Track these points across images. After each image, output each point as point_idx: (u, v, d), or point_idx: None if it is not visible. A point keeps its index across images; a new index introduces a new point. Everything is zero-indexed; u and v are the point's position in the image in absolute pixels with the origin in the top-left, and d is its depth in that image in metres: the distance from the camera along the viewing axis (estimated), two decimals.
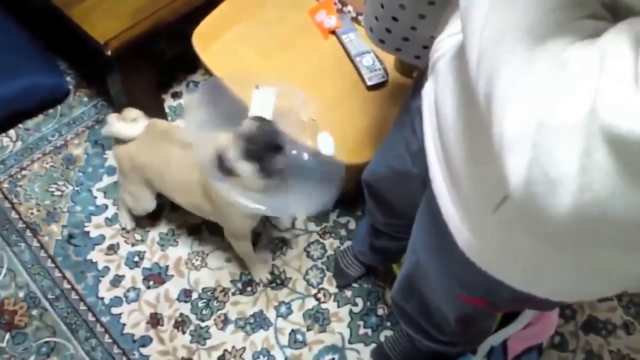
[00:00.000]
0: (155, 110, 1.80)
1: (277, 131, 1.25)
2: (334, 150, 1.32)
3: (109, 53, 1.53)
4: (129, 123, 1.49)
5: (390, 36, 0.94)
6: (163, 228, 1.74)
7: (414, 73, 1.54)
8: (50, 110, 1.97)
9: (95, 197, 1.79)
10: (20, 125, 1.93)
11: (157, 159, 1.46)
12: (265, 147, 1.22)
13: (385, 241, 1.46)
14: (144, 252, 1.70)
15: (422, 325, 1.17)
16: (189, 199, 1.48)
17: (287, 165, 1.26)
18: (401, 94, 1.54)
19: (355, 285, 1.66)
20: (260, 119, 1.24)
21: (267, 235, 1.73)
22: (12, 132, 1.92)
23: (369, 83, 1.54)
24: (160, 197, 1.61)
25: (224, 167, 1.21)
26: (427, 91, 0.81)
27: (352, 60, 1.59)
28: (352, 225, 1.76)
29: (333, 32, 1.65)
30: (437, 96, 0.76)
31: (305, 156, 1.34)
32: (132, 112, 1.51)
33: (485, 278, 0.76)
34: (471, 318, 1.00)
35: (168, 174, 1.46)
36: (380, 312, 1.62)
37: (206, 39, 1.63)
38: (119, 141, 1.50)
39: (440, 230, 0.79)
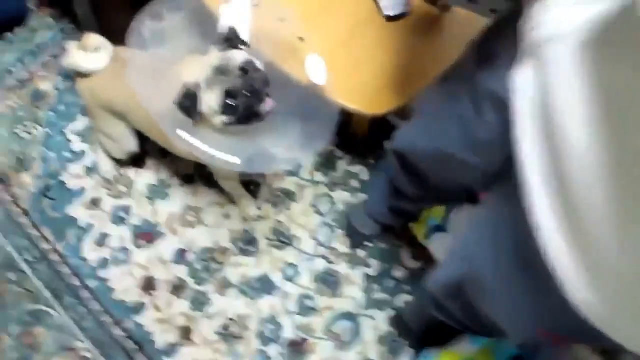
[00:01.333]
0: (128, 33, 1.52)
1: (263, 72, 1.04)
2: (325, 78, 1.12)
3: None
4: (91, 53, 1.25)
5: None
6: (150, 178, 1.54)
7: (440, 1, 1.28)
8: (8, 35, 1.67)
9: (70, 142, 1.56)
10: None
11: (124, 92, 1.24)
12: (249, 92, 1.01)
13: (408, 204, 1.28)
14: (131, 206, 1.51)
15: (462, 322, 1.02)
16: (165, 138, 1.24)
17: (271, 110, 1.05)
18: (427, 26, 1.30)
19: (368, 244, 1.50)
20: (234, 41, 1.05)
21: (268, 187, 1.53)
22: None
23: (388, 13, 1.28)
24: (143, 139, 1.40)
25: (190, 110, 1.01)
26: (524, 83, 0.59)
27: None
28: (364, 175, 1.57)
29: None
30: (550, 99, 0.54)
31: (293, 98, 1.12)
32: (94, 40, 1.26)
33: (589, 328, 0.59)
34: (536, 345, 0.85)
35: (139, 108, 1.24)
36: (397, 274, 1.47)
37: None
38: (82, 75, 1.28)
39: (534, 268, 0.61)
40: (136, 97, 1.20)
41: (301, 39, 1.15)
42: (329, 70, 1.21)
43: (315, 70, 1.12)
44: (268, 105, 1.03)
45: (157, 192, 1.52)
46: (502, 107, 0.69)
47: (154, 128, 1.27)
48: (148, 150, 1.55)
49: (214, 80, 1.01)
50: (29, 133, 1.56)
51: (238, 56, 1.03)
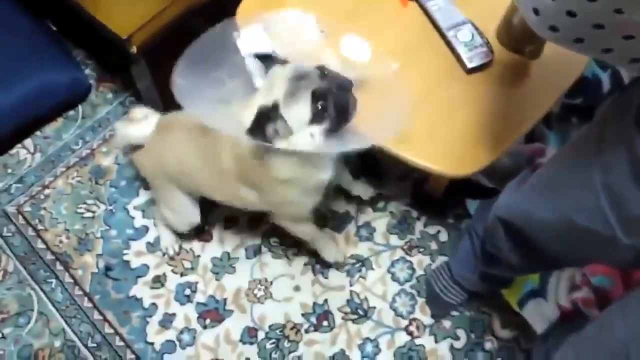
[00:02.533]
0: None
1: (341, 75, 0.96)
2: (370, 53, 1.04)
3: (134, 50, 1.21)
4: (138, 124, 1.24)
5: (572, 22, 0.59)
6: (216, 251, 1.46)
7: (527, 48, 1.17)
8: (71, 112, 1.67)
9: (133, 218, 1.51)
10: (37, 133, 1.64)
11: (178, 155, 1.20)
12: (339, 99, 0.93)
13: (503, 271, 1.14)
14: (196, 282, 1.42)
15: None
16: (228, 190, 1.19)
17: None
18: (513, 76, 1.19)
19: (454, 313, 1.35)
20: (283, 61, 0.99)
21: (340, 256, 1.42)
22: (28, 142, 1.63)
23: (469, 65, 1.18)
24: (205, 211, 1.35)
25: (264, 134, 0.92)
26: None
27: (442, 35, 1.22)
28: (443, 236, 1.44)
29: None
30: None
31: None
32: (139, 112, 1.28)
33: None
34: None
35: (196, 168, 1.19)
36: (488, 345, 1.32)
37: (253, 16, 1.28)
38: (135, 147, 1.27)
39: None
40: (190, 158, 1.17)
41: (322, 31, 1.08)
42: (406, 129, 1.12)
43: (355, 48, 1.05)
44: (355, 102, 0.95)
45: (222, 266, 1.44)
46: None
47: (213, 185, 1.20)
48: (212, 222, 1.48)
49: (295, 89, 0.92)
50: (91, 211, 1.52)
51: (307, 65, 0.96)
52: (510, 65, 1.19)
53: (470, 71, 1.18)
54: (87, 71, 1.72)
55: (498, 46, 1.21)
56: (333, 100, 0.92)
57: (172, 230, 1.42)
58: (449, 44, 1.21)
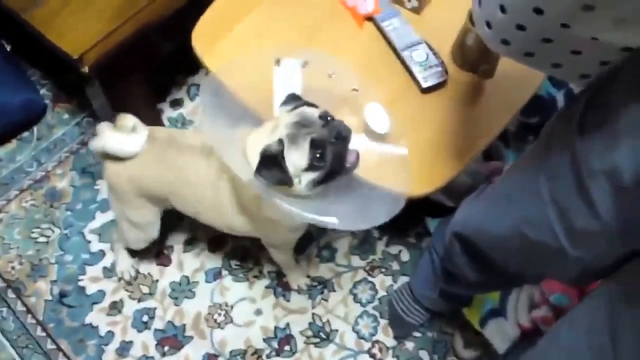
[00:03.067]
0: (151, 123, 1.43)
1: (342, 123, 0.95)
2: (389, 127, 1.04)
3: (86, 70, 1.18)
4: (126, 134, 1.14)
5: (522, 35, 0.60)
6: (174, 276, 1.42)
7: (482, 66, 1.18)
8: (25, 134, 1.62)
9: (89, 242, 1.46)
10: None
11: (170, 175, 1.15)
12: (336, 150, 0.93)
13: (464, 289, 1.14)
14: (155, 308, 1.39)
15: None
16: (219, 216, 1.16)
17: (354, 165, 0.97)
18: (467, 95, 1.19)
19: (416, 334, 1.34)
20: (298, 100, 0.98)
21: (303, 276, 1.40)
22: None
23: (424, 85, 1.18)
24: (165, 235, 1.31)
25: (272, 175, 0.91)
26: None
27: (398, 55, 1.23)
28: (404, 256, 1.43)
29: (370, 19, 1.28)
30: None
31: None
32: (129, 120, 1.16)
33: None
34: None
35: (188, 191, 1.15)
36: None
37: (209, 38, 1.26)
38: (112, 158, 1.15)
39: None
40: (183, 179, 1.14)
41: (355, 89, 1.08)
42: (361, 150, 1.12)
43: (376, 119, 1.04)
44: (353, 156, 0.95)
45: (181, 291, 1.40)
46: (621, 191, 0.57)
47: (203, 209, 1.17)
48: (171, 246, 1.44)
49: (298, 134, 0.92)
50: (45, 235, 1.47)
51: (313, 109, 0.96)
52: (465, 84, 1.20)
53: (425, 90, 1.19)
54: (43, 91, 1.68)
55: (453, 66, 1.22)
56: (331, 151, 0.92)
57: (128, 252, 1.39)
58: (404, 63, 1.21)
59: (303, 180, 0.93)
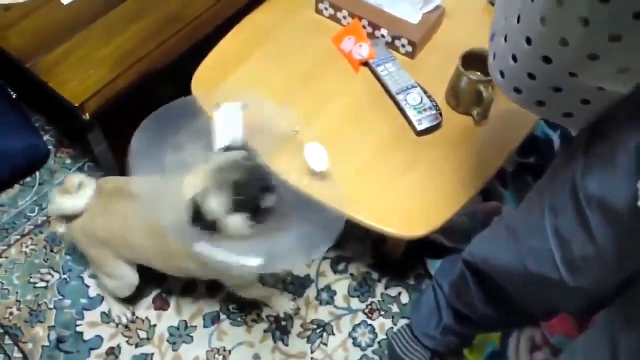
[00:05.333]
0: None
1: (265, 166, 0.99)
2: (327, 165, 1.05)
3: (87, 117, 1.21)
4: (75, 193, 1.21)
5: (533, 85, 0.62)
6: (172, 320, 1.41)
7: (475, 110, 1.20)
8: (28, 179, 1.64)
9: (88, 287, 1.46)
10: None
11: (116, 224, 1.19)
12: (257, 189, 0.94)
13: (468, 327, 1.13)
14: (152, 354, 1.37)
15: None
16: (170, 262, 1.19)
17: (279, 204, 0.98)
18: (462, 137, 1.21)
19: None
20: (240, 150, 0.99)
21: (301, 318, 1.39)
22: None
23: (419, 128, 1.20)
24: (162, 279, 1.33)
25: (204, 223, 0.93)
26: None
27: (393, 99, 1.25)
28: (404, 298, 1.42)
29: (365, 64, 1.31)
30: None
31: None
32: (75, 179, 1.23)
33: None
34: None
35: (135, 239, 1.18)
36: None
37: (208, 84, 1.30)
38: (70, 218, 1.23)
39: None
40: (129, 228, 1.16)
41: (296, 132, 1.10)
42: (358, 192, 1.13)
43: (315, 158, 1.06)
44: (271, 199, 0.95)
45: (180, 336, 1.39)
46: (617, 219, 0.58)
47: (153, 256, 1.19)
48: (169, 290, 1.44)
49: (221, 178, 0.94)
50: (45, 280, 1.47)
51: (237, 153, 0.98)
52: (460, 126, 1.22)
53: (420, 133, 1.20)
54: (47, 137, 1.71)
55: (447, 109, 1.24)
56: (253, 193, 0.94)
57: (117, 298, 1.39)
58: (399, 107, 1.24)
59: (235, 222, 0.94)
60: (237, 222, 0.94)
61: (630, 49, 0.51)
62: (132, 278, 1.30)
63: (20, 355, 1.37)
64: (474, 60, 1.17)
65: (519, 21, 0.58)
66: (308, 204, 1.02)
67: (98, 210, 1.20)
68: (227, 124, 1.02)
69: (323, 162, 1.06)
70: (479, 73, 1.19)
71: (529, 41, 0.57)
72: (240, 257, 0.93)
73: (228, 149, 0.99)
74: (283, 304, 1.39)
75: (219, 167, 0.95)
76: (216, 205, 0.93)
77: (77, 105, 1.19)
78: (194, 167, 1.00)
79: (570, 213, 0.67)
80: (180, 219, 0.93)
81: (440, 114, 1.21)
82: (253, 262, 0.93)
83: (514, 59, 0.61)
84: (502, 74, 0.66)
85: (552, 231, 0.72)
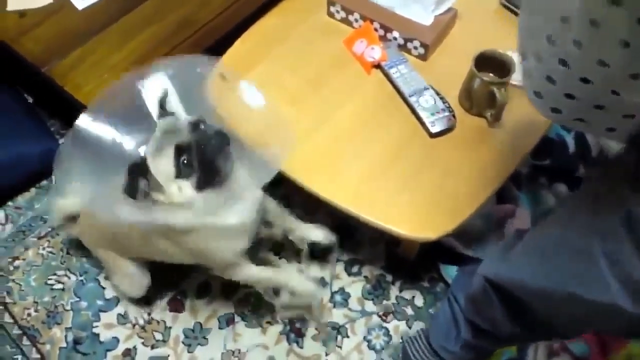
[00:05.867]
0: None
1: (218, 129, 0.95)
2: (264, 100, 1.03)
3: None
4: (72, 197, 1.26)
5: (572, 104, 0.60)
6: (187, 322, 1.42)
7: (488, 112, 1.19)
8: (44, 182, 1.66)
9: (104, 289, 1.48)
10: (9, 204, 1.63)
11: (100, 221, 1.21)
12: (205, 153, 0.92)
13: (487, 341, 1.11)
14: (168, 355, 1.38)
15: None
16: (151, 247, 1.14)
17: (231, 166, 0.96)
18: (476, 140, 1.20)
19: None
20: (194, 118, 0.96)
21: (316, 320, 1.39)
22: (0, 213, 1.61)
23: (432, 130, 1.20)
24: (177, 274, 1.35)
25: (138, 185, 0.90)
26: None
27: (405, 101, 1.25)
28: (418, 300, 1.42)
29: (377, 66, 1.31)
30: None
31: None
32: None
33: None
34: None
35: (118, 232, 1.19)
36: None
37: (220, 87, 1.30)
38: (72, 219, 1.31)
39: None
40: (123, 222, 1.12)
41: (222, 75, 1.08)
42: (371, 194, 1.12)
43: (250, 95, 1.04)
44: (228, 156, 0.94)
45: (194, 337, 1.40)
46: None
47: (138, 245, 1.18)
48: (184, 292, 1.45)
49: (162, 143, 0.91)
50: (61, 282, 1.49)
51: (185, 117, 0.96)
52: (473, 128, 1.21)
53: (434, 135, 1.20)
54: (62, 141, 1.73)
55: (460, 110, 1.23)
56: (198, 155, 0.91)
57: (130, 299, 1.41)
58: (412, 109, 1.23)
59: (184, 188, 0.92)
60: (183, 187, 0.91)
61: None
62: (141, 276, 1.31)
63: (38, 356, 1.39)
64: (486, 62, 1.17)
65: (551, 43, 0.56)
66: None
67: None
68: (156, 93, 0.99)
69: (259, 97, 1.02)
70: (492, 74, 1.19)
71: (564, 63, 0.56)
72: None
73: (166, 114, 0.96)
74: (302, 284, 1.21)
75: (164, 129, 0.93)
76: (158, 169, 0.90)
77: None
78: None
79: (626, 243, 0.65)
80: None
81: (454, 116, 1.21)
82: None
83: (551, 80, 0.59)
84: (539, 95, 0.64)
85: (604, 259, 0.69)
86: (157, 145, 0.91)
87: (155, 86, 0.98)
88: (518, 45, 0.66)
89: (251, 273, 1.17)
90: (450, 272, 1.39)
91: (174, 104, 0.99)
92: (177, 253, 1.12)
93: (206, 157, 0.92)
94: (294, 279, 1.20)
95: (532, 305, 0.90)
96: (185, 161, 0.90)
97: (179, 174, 0.91)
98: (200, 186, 0.92)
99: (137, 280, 1.32)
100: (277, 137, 1.01)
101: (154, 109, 0.98)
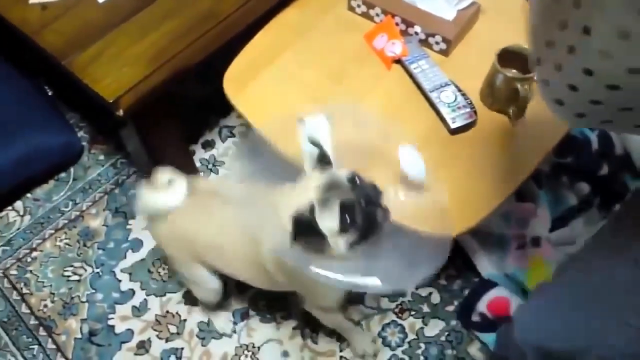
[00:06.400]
0: (183, 165, 1.46)
1: (372, 184, 0.93)
2: (425, 172, 0.98)
3: (120, 113, 1.22)
4: (164, 190, 1.12)
5: (598, 109, 0.58)
6: (202, 315, 1.42)
7: (510, 108, 1.17)
8: (62, 174, 1.67)
9: (120, 281, 1.48)
10: (28, 195, 1.64)
11: (211, 228, 1.13)
12: (366, 211, 0.90)
13: None
14: (182, 348, 1.38)
15: None
16: (258, 274, 1.12)
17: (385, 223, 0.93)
18: (496, 137, 1.18)
19: None
20: (347, 172, 0.93)
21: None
22: (18, 204, 1.63)
23: (453, 126, 1.18)
24: None
25: (309, 240, 0.89)
26: None
27: (426, 97, 1.23)
28: (435, 297, 1.40)
29: (398, 61, 1.29)
30: None
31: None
32: (164, 174, 1.13)
33: None
34: None
35: (229, 246, 1.12)
36: None
37: (239, 82, 1.30)
38: (158, 217, 1.15)
39: None
40: (221, 233, 1.11)
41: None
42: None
43: (410, 162, 0.98)
44: (386, 212, 0.92)
45: (209, 331, 1.40)
46: None
47: (241, 266, 1.14)
48: None
49: (327, 197, 0.90)
50: (78, 274, 1.50)
51: (342, 171, 0.94)
52: (494, 125, 1.19)
53: (454, 131, 1.18)
54: (81, 133, 1.74)
55: (481, 106, 1.21)
56: (361, 213, 0.89)
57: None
58: (432, 105, 1.22)
59: (339, 243, 0.90)
60: (343, 242, 0.90)
61: None
62: (213, 282, 1.25)
63: (54, 347, 1.40)
64: (510, 58, 1.15)
65: (572, 52, 0.54)
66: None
67: (190, 210, 1.13)
68: (315, 133, 0.95)
69: (419, 167, 0.97)
70: (514, 70, 1.17)
71: (589, 72, 0.54)
72: (358, 277, 0.88)
73: (321, 164, 0.94)
74: (364, 342, 1.33)
75: (327, 183, 0.91)
76: (325, 223, 0.88)
77: (111, 101, 1.20)
78: (287, 182, 0.95)
79: None
80: (283, 239, 0.89)
81: (475, 112, 1.19)
82: (371, 281, 0.88)
83: (573, 88, 0.58)
84: (560, 102, 0.62)
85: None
86: (322, 201, 0.90)
87: (315, 128, 0.95)
88: (532, 50, 0.64)
89: (335, 319, 1.25)
90: (490, 339, 1.32)
91: (329, 152, 0.95)
92: (284, 286, 1.12)
93: (369, 214, 0.90)
94: (358, 338, 1.32)
95: None
96: (349, 218, 0.89)
97: (342, 230, 0.89)
98: (357, 243, 0.91)
99: (210, 287, 1.26)
100: (430, 222, 0.97)
101: (309, 153, 0.95)
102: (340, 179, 0.92)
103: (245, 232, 1.07)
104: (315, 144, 0.94)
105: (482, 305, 1.33)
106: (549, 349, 0.88)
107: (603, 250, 0.80)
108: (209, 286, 1.26)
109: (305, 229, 0.88)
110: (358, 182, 0.92)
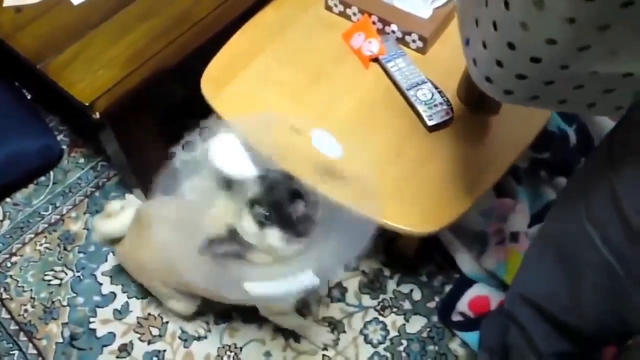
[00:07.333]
0: (163, 167, 1.46)
1: (282, 172, 0.92)
2: (341, 151, 0.96)
3: (97, 116, 1.21)
4: (115, 217, 1.23)
5: (524, 83, 0.60)
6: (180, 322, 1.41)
7: (488, 103, 1.18)
8: (42, 178, 1.66)
9: (101, 284, 1.47)
10: (7, 200, 1.63)
11: (150, 251, 1.13)
12: (281, 202, 0.88)
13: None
14: (164, 350, 1.38)
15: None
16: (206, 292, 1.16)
17: (313, 215, 0.91)
18: (474, 132, 1.19)
19: None
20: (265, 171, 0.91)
21: (314, 315, 1.39)
22: None
23: (430, 123, 1.19)
24: None
25: (236, 249, 0.89)
26: None
27: (403, 95, 1.24)
28: (416, 294, 1.41)
29: (375, 59, 1.30)
30: None
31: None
32: (115, 204, 1.26)
33: None
34: None
35: (167, 268, 1.12)
36: None
37: (217, 83, 1.30)
38: (115, 241, 1.25)
39: None
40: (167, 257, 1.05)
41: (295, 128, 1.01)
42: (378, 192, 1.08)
43: (324, 144, 0.96)
44: (299, 206, 0.89)
45: (191, 333, 1.39)
46: None
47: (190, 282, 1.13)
48: None
49: (241, 207, 0.89)
50: (58, 278, 1.49)
51: (254, 173, 0.91)
52: (471, 121, 1.20)
53: (431, 129, 1.19)
54: (61, 137, 1.73)
55: (458, 104, 1.22)
56: (273, 206, 0.88)
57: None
58: (410, 103, 1.22)
59: (272, 241, 0.88)
60: (276, 238, 0.88)
61: (619, 33, 0.50)
62: (180, 297, 1.26)
63: (35, 352, 1.39)
64: None
65: (495, 28, 0.57)
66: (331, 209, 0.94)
67: (135, 234, 1.18)
68: (226, 156, 0.93)
69: (335, 148, 0.96)
70: None
71: (511, 46, 0.56)
72: (290, 279, 0.87)
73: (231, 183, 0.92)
74: (320, 335, 1.35)
75: (234, 201, 0.90)
76: (245, 227, 0.88)
77: (87, 104, 1.19)
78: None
79: (619, 230, 0.64)
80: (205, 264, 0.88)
81: (452, 109, 1.20)
82: (307, 279, 0.86)
83: (499, 64, 0.60)
84: (489, 79, 0.64)
85: (606, 250, 0.68)
86: (240, 209, 0.89)
87: (222, 148, 0.94)
88: (460, 31, 0.66)
89: (291, 321, 1.27)
90: (471, 338, 1.32)
91: (242, 163, 0.92)
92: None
93: (280, 206, 0.88)
94: (315, 332, 1.35)
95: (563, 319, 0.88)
96: (261, 211, 0.88)
97: (261, 227, 0.88)
98: (289, 232, 0.89)
99: (186, 298, 1.27)
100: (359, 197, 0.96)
101: (215, 175, 0.94)
102: (247, 181, 0.90)
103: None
104: (219, 166, 0.92)
105: (463, 304, 1.34)
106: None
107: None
108: (180, 300, 1.27)
109: (230, 241, 0.88)
110: (267, 177, 0.91)
